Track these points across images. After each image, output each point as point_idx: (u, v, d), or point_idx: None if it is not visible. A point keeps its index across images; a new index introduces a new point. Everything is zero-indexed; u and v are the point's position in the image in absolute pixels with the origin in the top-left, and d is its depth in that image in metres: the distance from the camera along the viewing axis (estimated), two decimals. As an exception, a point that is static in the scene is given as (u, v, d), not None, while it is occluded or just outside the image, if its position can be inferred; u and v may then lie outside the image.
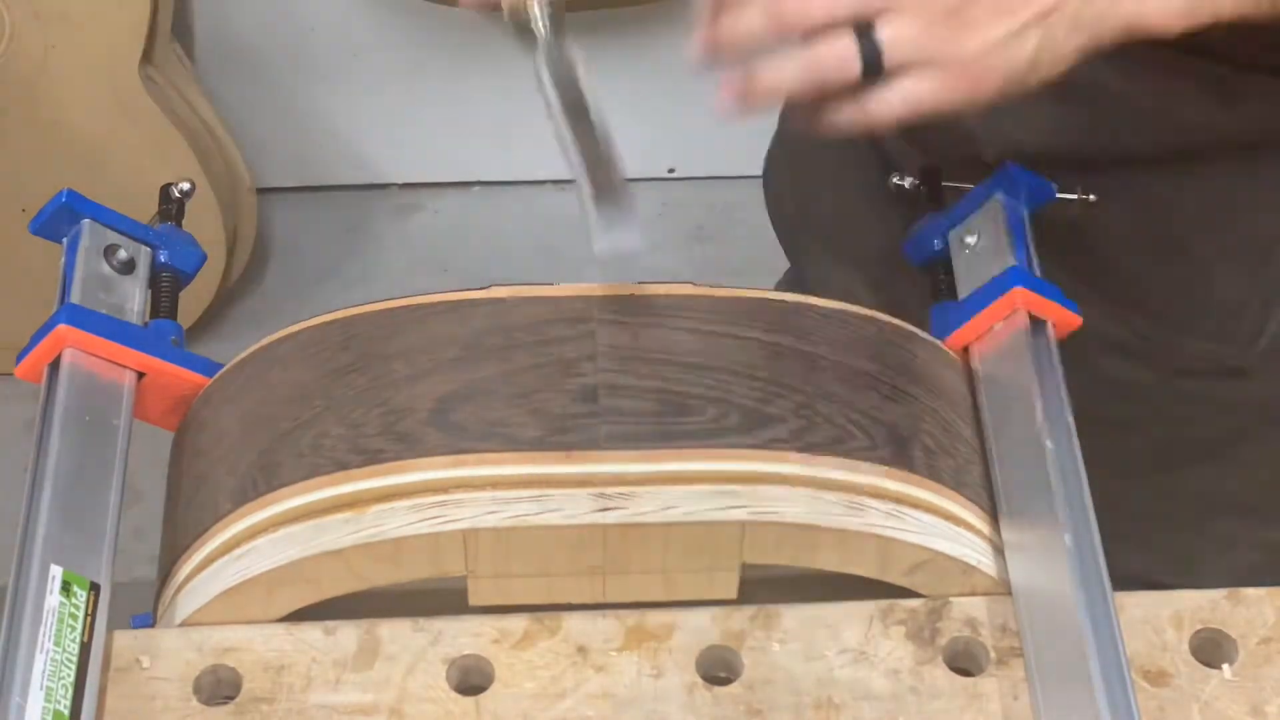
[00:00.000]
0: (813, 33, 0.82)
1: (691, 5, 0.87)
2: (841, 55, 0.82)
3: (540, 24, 0.94)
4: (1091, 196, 1.02)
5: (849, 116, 0.84)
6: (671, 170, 2.27)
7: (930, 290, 1.00)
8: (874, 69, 0.82)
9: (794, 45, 0.83)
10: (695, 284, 0.93)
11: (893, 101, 0.83)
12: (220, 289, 2.05)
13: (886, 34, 0.82)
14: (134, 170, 1.88)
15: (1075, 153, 1.01)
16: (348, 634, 0.87)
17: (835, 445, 0.87)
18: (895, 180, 1.06)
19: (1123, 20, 0.85)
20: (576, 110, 0.87)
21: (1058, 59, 0.85)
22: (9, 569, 0.84)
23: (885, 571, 0.87)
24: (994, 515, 0.89)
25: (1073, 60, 0.85)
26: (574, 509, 0.85)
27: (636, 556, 0.86)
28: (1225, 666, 0.86)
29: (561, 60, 0.92)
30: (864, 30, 0.82)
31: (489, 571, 0.87)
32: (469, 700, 0.85)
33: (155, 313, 0.98)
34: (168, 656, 0.86)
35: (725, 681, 0.86)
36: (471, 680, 0.86)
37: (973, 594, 0.88)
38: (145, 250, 0.99)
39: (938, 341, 0.96)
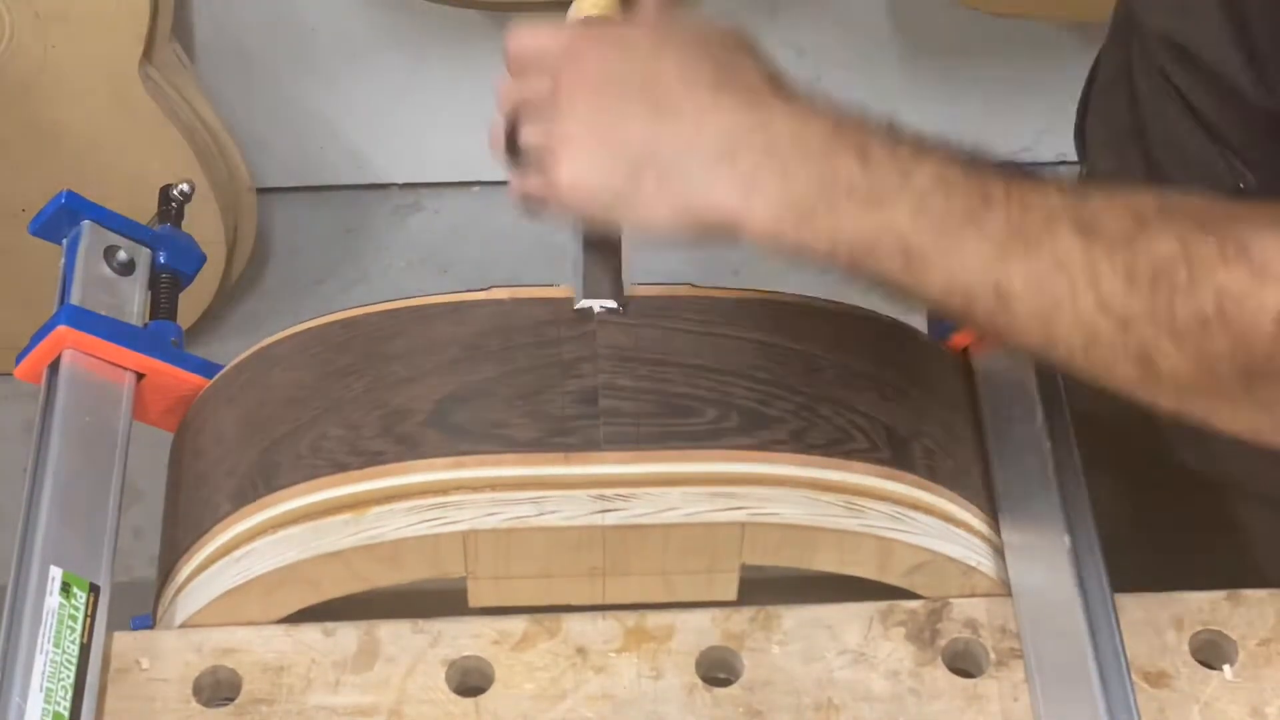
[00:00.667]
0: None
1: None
2: (497, 137, 0.89)
3: None
4: None
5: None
6: (671, 170, 2.27)
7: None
8: (512, 154, 0.89)
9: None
10: (695, 285, 0.93)
11: (513, 188, 0.89)
12: (220, 289, 2.05)
13: (522, 131, 0.87)
14: (134, 170, 1.88)
15: None
16: (347, 635, 0.87)
17: (835, 446, 0.87)
18: None
19: (718, 207, 0.82)
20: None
21: (648, 206, 0.83)
22: (9, 570, 0.84)
23: (885, 573, 0.87)
24: (994, 516, 0.89)
25: (670, 220, 0.83)
26: (573, 511, 0.85)
27: (636, 558, 0.86)
28: (1226, 667, 0.86)
29: None
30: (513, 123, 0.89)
31: (489, 573, 0.86)
32: (469, 701, 0.85)
33: (155, 314, 0.98)
34: (167, 657, 0.86)
35: (725, 683, 0.86)
36: (471, 681, 0.86)
37: (972, 595, 0.88)
38: (145, 251, 0.99)
39: (937, 342, 0.95)
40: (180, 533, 0.89)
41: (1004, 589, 0.88)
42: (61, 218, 0.98)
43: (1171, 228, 0.76)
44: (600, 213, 0.85)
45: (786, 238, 0.81)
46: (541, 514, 0.85)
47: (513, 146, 0.88)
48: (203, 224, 1.91)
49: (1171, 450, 1.02)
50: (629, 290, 0.91)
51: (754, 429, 0.87)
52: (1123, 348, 0.76)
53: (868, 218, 0.79)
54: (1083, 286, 0.76)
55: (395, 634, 0.87)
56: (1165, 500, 1.02)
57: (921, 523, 0.87)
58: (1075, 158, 1.50)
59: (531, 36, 0.88)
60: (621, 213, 0.84)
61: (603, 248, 0.91)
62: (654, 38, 0.86)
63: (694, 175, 0.82)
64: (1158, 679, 0.86)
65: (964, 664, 0.86)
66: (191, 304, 1.96)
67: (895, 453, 0.88)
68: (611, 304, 0.90)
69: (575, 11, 0.91)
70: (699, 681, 0.85)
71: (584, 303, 0.90)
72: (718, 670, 0.86)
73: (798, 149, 0.81)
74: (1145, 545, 0.93)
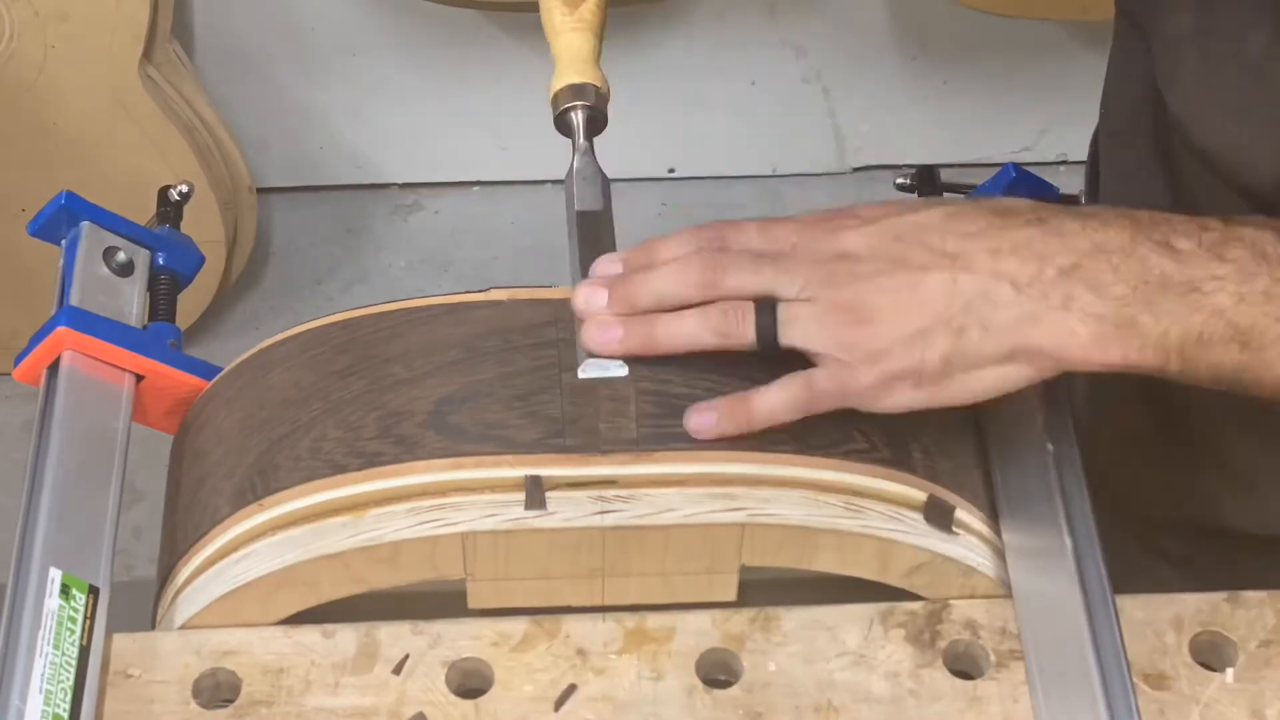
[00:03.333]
0: (718, 297, 0.84)
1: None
2: (741, 326, 0.83)
3: (579, 132, 0.96)
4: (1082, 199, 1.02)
5: (727, 413, 0.84)
6: (671, 170, 2.27)
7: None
8: (768, 345, 0.83)
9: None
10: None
11: (774, 396, 0.83)
12: (220, 289, 2.05)
13: (785, 315, 0.82)
14: (134, 170, 1.88)
15: None
16: (346, 637, 0.87)
17: (834, 447, 0.87)
18: (898, 179, 1.05)
19: (1038, 342, 0.79)
20: (592, 224, 0.89)
21: (972, 363, 0.80)
22: (8, 571, 0.84)
23: (885, 573, 0.87)
24: (994, 517, 0.89)
25: (995, 373, 0.80)
26: (573, 512, 0.85)
27: (635, 559, 0.86)
28: (1228, 671, 0.86)
29: (590, 166, 0.94)
30: (765, 306, 0.83)
31: (488, 574, 0.86)
32: (468, 703, 0.85)
33: (153, 315, 0.98)
34: (167, 660, 0.86)
35: (725, 684, 0.86)
36: (471, 683, 0.86)
37: (972, 596, 0.88)
38: (144, 252, 0.99)
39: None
40: (179, 534, 0.89)
41: (1004, 590, 0.88)
42: (61, 218, 0.98)
43: None
44: (926, 395, 0.81)
45: (1113, 353, 0.79)
46: (540, 515, 0.85)
47: (765, 339, 0.83)
48: (202, 224, 1.91)
49: (1222, 514, 1.01)
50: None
51: (753, 430, 0.87)
52: None
53: (1193, 309, 0.77)
54: None
55: (395, 635, 0.87)
56: (1224, 570, 1.01)
57: (921, 523, 0.87)
58: (1075, 158, 1.50)
59: (749, 229, 0.84)
60: (950, 384, 0.81)
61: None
62: (908, 207, 0.82)
63: (1008, 322, 0.79)
64: (1158, 681, 0.86)
65: (964, 665, 0.86)
66: (191, 304, 1.97)
67: (895, 453, 0.88)
68: (620, 369, 0.85)
69: (557, 82, 0.90)
70: (699, 683, 0.85)
71: (587, 364, 0.85)
72: (718, 672, 0.86)
73: (1103, 259, 0.78)
74: None
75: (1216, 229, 0.78)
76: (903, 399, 0.82)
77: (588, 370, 0.85)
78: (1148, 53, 0.93)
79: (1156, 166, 0.97)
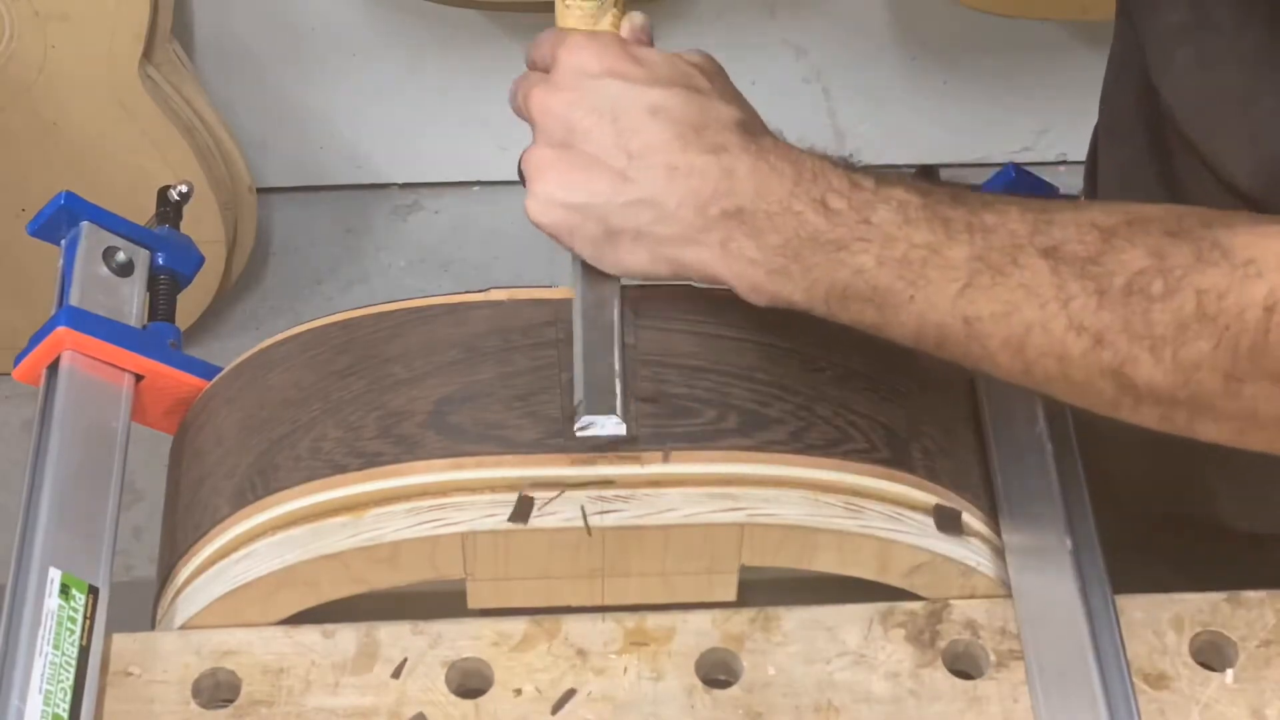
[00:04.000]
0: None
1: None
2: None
3: None
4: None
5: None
6: (672, 170, 2.27)
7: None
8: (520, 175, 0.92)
9: None
10: (693, 284, 0.93)
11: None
12: (220, 289, 2.05)
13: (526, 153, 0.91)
14: (133, 170, 1.88)
15: None
16: (347, 637, 0.87)
17: (834, 447, 0.87)
18: None
19: (696, 263, 0.85)
20: (598, 304, 0.90)
21: (622, 256, 0.86)
22: (8, 572, 0.84)
23: (884, 573, 0.87)
24: (994, 517, 0.89)
25: (644, 267, 0.86)
26: (572, 512, 0.85)
27: (635, 559, 0.86)
28: (1228, 671, 0.86)
29: None
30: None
31: (487, 574, 0.86)
32: (468, 703, 0.85)
33: (153, 315, 0.98)
34: (167, 660, 0.86)
35: (725, 684, 0.86)
36: (471, 683, 0.86)
37: (972, 596, 0.88)
38: (143, 252, 0.99)
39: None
40: (179, 534, 0.89)
41: (1004, 590, 0.88)
42: (60, 218, 0.98)
43: (1142, 240, 0.76)
44: (570, 244, 0.87)
45: (766, 292, 0.83)
46: (540, 515, 0.85)
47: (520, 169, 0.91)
48: (202, 224, 1.91)
49: (1220, 517, 1.01)
50: (628, 293, 0.91)
51: (753, 430, 0.87)
52: (1097, 365, 0.76)
53: (837, 266, 0.81)
54: (1053, 309, 0.76)
55: (395, 635, 0.87)
56: (1220, 567, 1.01)
57: (921, 523, 0.87)
58: (1075, 158, 1.50)
59: (545, 42, 0.90)
60: (595, 255, 0.87)
61: (604, 358, 0.87)
62: (640, 76, 0.86)
63: (669, 235, 0.84)
64: (1158, 680, 0.86)
65: (964, 665, 0.86)
66: (191, 304, 1.97)
67: (894, 453, 0.88)
68: (618, 427, 0.85)
69: (560, 19, 0.91)
70: (699, 683, 0.85)
71: (585, 421, 0.84)
72: (717, 672, 0.86)
73: (763, 208, 0.82)
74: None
75: (868, 190, 0.82)
76: (562, 240, 0.88)
77: (587, 429, 0.85)
78: (1144, 49, 0.93)
79: (1152, 162, 0.97)
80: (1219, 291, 0.74)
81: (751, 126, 0.86)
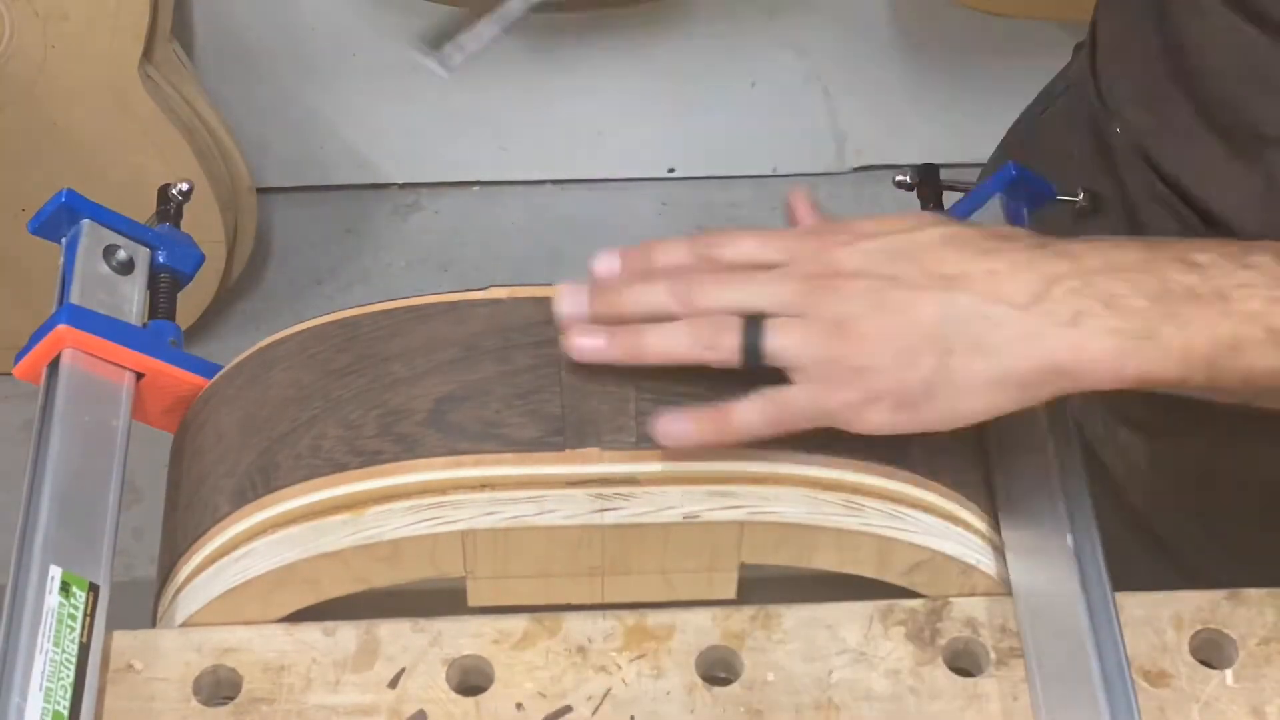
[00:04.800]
0: (705, 313, 0.82)
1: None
2: (728, 342, 0.81)
3: None
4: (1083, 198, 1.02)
5: (705, 424, 0.82)
6: (671, 170, 2.27)
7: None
8: (753, 360, 0.81)
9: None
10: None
11: (752, 412, 0.81)
12: (220, 289, 2.05)
13: (771, 330, 0.80)
14: (134, 170, 1.88)
15: None
16: (347, 634, 0.87)
17: (833, 445, 0.87)
18: (898, 177, 1.05)
19: (1045, 359, 0.76)
20: None
21: (959, 384, 0.78)
22: (8, 570, 0.84)
23: (884, 571, 0.87)
24: (994, 515, 0.89)
25: (984, 397, 0.78)
26: (572, 510, 0.85)
27: (635, 557, 0.86)
28: (1227, 672, 0.86)
29: None
30: (753, 321, 0.81)
31: (488, 572, 0.86)
32: (469, 701, 0.85)
33: (154, 313, 0.97)
34: (167, 657, 0.86)
35: (725, 682, 0.86)
36: (471, 681, 0.86)
37: (972, 594, 0.88)
38: (144, 251, 0.99)
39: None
40: (180, 532, 0.89)
41: (1004, 588, 0.88)
42: (61, 216, 0.98)
43: None
44: (906, 417, 0.79)
45: (1130, 369, 0.76)
46: (540, 513, 0.85)
47: (751, 355, 0.80)
48: (203, 224, 1.91)
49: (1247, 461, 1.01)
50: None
51: (753, 428, 0.87)
52: None
53: (1222, 317, 0.75)
54: None
55: (395, 633, 0.87)
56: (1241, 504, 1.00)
57: (920, 521, 0.87)
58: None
59: (751, 238, 0.82)
60: (932, 407, 0.78)
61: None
62: (890, 224, 0.81)
63: (1007, 342, 0.76)
64: (1158, 678, 0.86)
65: (964, 663, 0.86)
66: (191, 303, 1.97)
67: (894, 451, 0.88)
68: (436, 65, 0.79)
69: None
70: (699, 680, 0.85)
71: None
72: (718, 669, 0.86)
73: (1117, 275, 0.76)
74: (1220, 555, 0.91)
75: (1234, 243, 0.77)
76: (881, 420, 0.80)
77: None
78: None
79: (1149, 18, 0.96)
80: None
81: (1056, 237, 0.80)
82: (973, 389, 0.78)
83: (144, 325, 0.96)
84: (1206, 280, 0.75)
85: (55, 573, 0.84)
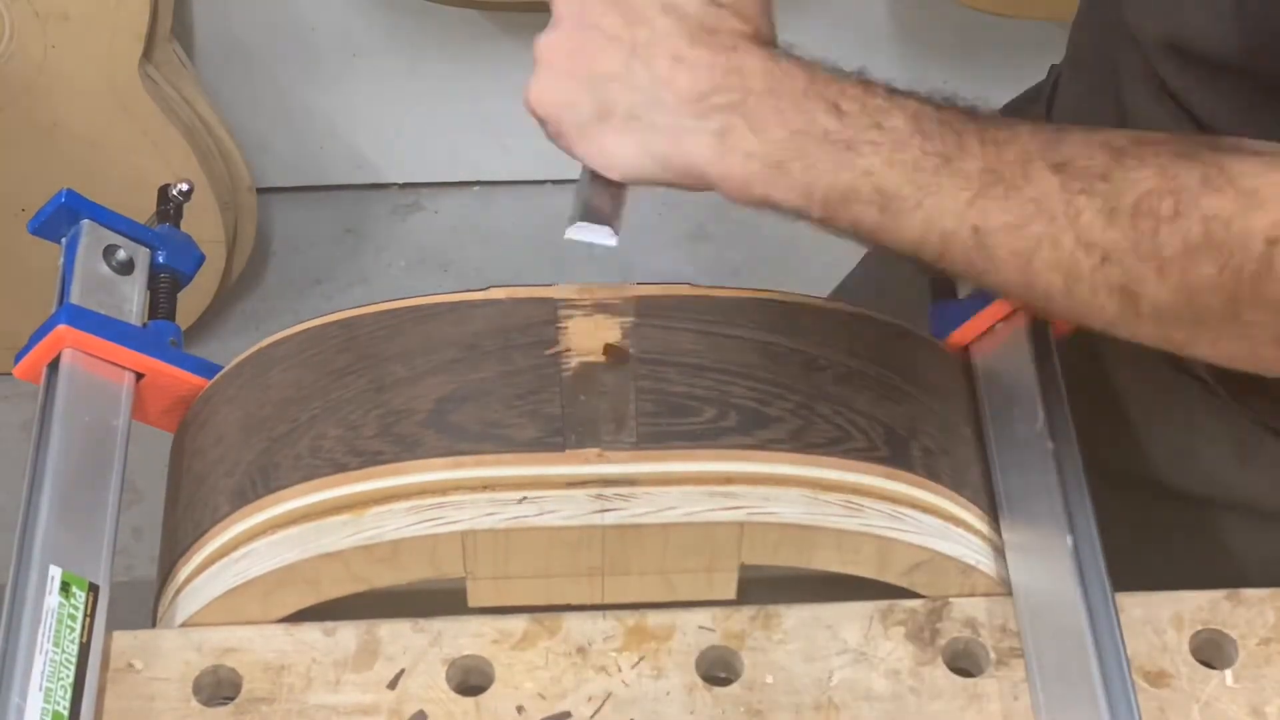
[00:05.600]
0: None
1: None
2: None
3: None
4: None
5: None
6: (671, 170, 2.27)
7: (929, 289, 1.00)
8: None
9: None
10: (693, 285, 0.93)
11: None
12: (220, 289, 2.05)
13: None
14: (134, 170, 1.88)
15: None
16: (347, 634, 0.87)
17: (833, 446, 0.87)
18: None
19: (687, 158, 0.82)
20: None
21: (609, 150, 0.84)
22: (8, 570, 0.84)
23: (884, 572, 0.87)
24: (994, 515, 0.89)
25: (635, 158, 0.83)
26: (572, 510, 0.85)
27: (635, 557, 0.86)
28: (1227, 672, 0.86)
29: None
30: None
31: (488, 573, 0.86)
32: (469, 700, 0.85)
33: (153, 313, 0.97)
34: (167, 657, 0.86)
35: (725, 682, 0.86)
36: (472, 681, 0.86)
37: (972, 594, 0.88)
38: (144, 251, 0.99)
39: (937, 341, 0.95)
40: (180, 533, 0.89)
41: (1003, 588, 0.88)
42: (61, 216, 0.98)
43: (1151, 160, 0.76)
44: (558, 136, 0.85)
45: (756, 190, 0.82)
46: (540, 514, 0.85)
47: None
48: (202, 224, 1.91)
49: (1150, 466, 1.02)
50: (628, 290, 0.91)
51: (753, 428, 0.87)
52: (1104, 282, 0.77)
53: (843, 166, 0.80)
54: (1062, 224, 0.77)
55: (395, 633, 0.87)
56: (1145, 515, 1.02)
57: (920, 522, 0.87)
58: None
59: None
60: (581, 143, 0.84)
61: (607, 183, 0.85)
62: None
63: (662, 124, 0.82)
64: (1158, 678, 0.86)
65: (964, 663, 0.86)
66: (191, 304, 1.97)
67: (894, 451, 0.88)
68: (608, 238, 0.83)
69: None
70: (699, 681, 0.85)
71: (577, 227, 0.83)
72: (718, 669, 0.86)
73: (771, 102, 0.81)
74: (1126, 561, 0.93)
75: (881, 97, 0.81)
76: (550, 131, 0.86)
77: (576, 233, 0.83)
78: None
79: (1109, 89, 0.98)
80: (1224, 218, 0.74)
81: (767, 39, 0.85)
82: (623, 147, 0.83)
83: (144, 325, 0.96)
84: (844, 128, 0.80)
85: (55, 573, 0.84)
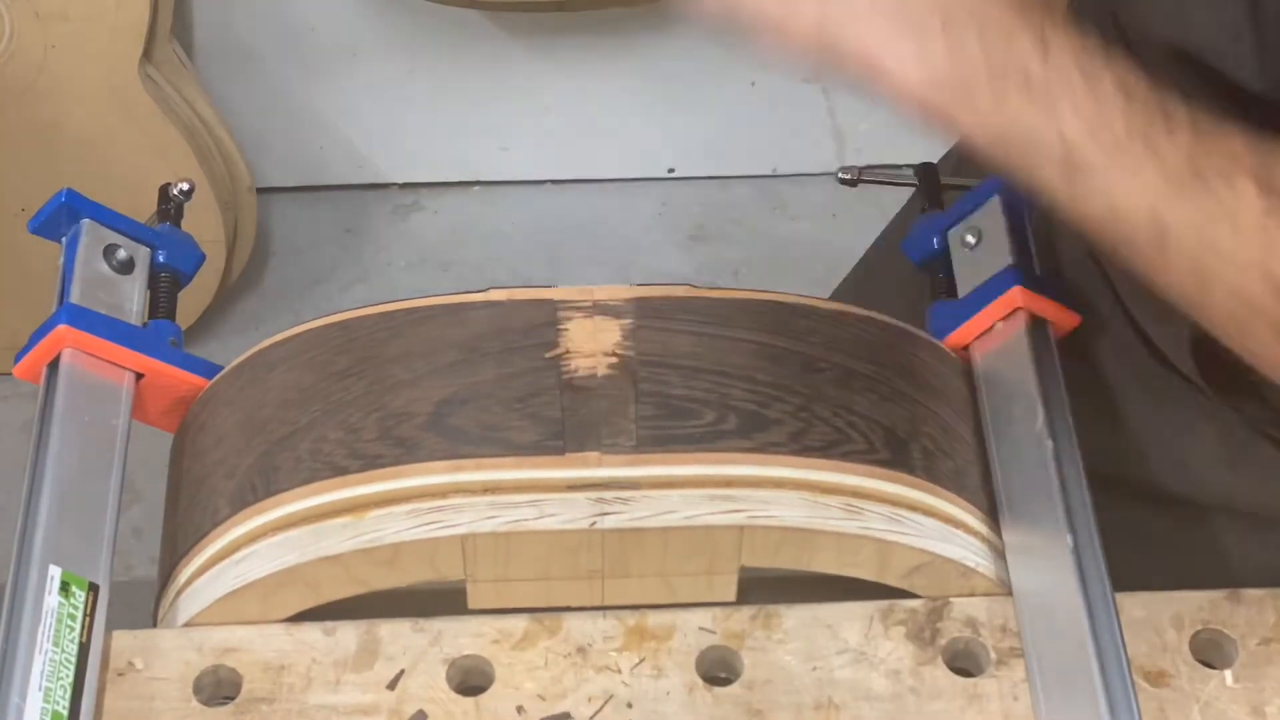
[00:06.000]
0: None
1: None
2: None
3: None
4: None
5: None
6: (671, 170, 2.27)
7: (929, 289, 1.00)
8: None
9: None
10: (693, 286, 0.93)
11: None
12: (220, 289, 2.05)
13: None
14: (133, 170, 1.88)
15: None
16: (348, 634, 0.87)
17: (833, 448, 0.87)
18: (841, 175, 1.05)
19: (863, 52, 0.74)
20: None
21: (790, 20, 0.76)
22: (8, 569, 0.84)
23: (884, 574, 0.87)
24: (994, 516, 0.89)
25: (804, 47, 0.75)
26: (572, 514, 0.85)
27: (635, 560, 0.86)
28: (1227, 673, 0.86)
29: None
30: None
31: (488, 576, 0.86)
32: (469, 701, 0.85)
33: (153, 313, 0.97)
34: (167, 657, 0.86)
35: (725, 682, 0.86)
36: (472, 681, 0.86)
37: (971, 595, 0.88)
38: (144, 250, 0.99)
39: (937, 341, 0.95)
40: (180, 535, 0.89)
41: (1003, 589, 0.88)
42: (61, 216, 0.98)
43: None
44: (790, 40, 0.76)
45: (933, 108, 0.75)
46: (540, 517, 0.85)
47: None
48: (203, 223, 1.91)
49: (1143, 470, 1.02)
50: (627, 292, 0.91)
51: (752, 431, 0.87)
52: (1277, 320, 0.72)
53: (1036, 115, 0.73)
54: (1252, 248, 0.71)
55: (396, 633, 0.87)
56: (1138, 519, 1.02)
57: (920, 524, 0.87)
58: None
59: None
60: (762, 7, 0.77)
61: None
62: None
63: (854, 6, 0.74)
64: (1158, 678, 0.86)
65: (964, 663, 0.86)
66: (191, 304, 1.97)
67: (894, 454, 0.88)
68: None
69: None
70: (699, 680, 0.85)
71: None
72: (718, 669, 0.86)
73: (975, 16, 0.73)
74: (1120, 565, 0.93)
75: (1093, 44, 0.74)
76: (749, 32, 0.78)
77: None
78: None
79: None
80: None
81: None
82: (803, 20, 0.75)
83: (144, 325, 0.96)
84: (1047, 71, 0.73)
85: (55, 572, 0.84)
